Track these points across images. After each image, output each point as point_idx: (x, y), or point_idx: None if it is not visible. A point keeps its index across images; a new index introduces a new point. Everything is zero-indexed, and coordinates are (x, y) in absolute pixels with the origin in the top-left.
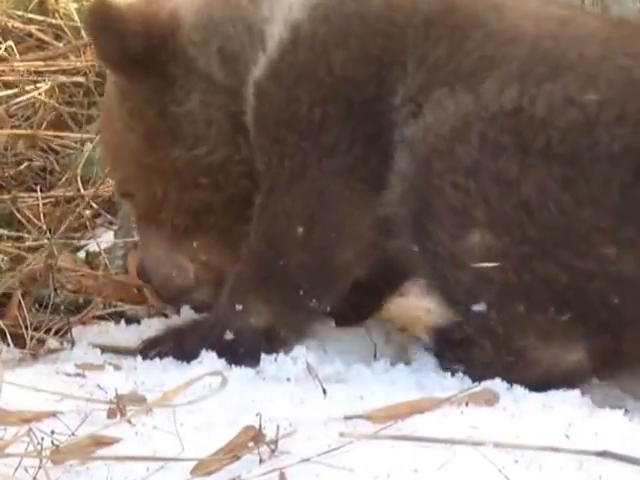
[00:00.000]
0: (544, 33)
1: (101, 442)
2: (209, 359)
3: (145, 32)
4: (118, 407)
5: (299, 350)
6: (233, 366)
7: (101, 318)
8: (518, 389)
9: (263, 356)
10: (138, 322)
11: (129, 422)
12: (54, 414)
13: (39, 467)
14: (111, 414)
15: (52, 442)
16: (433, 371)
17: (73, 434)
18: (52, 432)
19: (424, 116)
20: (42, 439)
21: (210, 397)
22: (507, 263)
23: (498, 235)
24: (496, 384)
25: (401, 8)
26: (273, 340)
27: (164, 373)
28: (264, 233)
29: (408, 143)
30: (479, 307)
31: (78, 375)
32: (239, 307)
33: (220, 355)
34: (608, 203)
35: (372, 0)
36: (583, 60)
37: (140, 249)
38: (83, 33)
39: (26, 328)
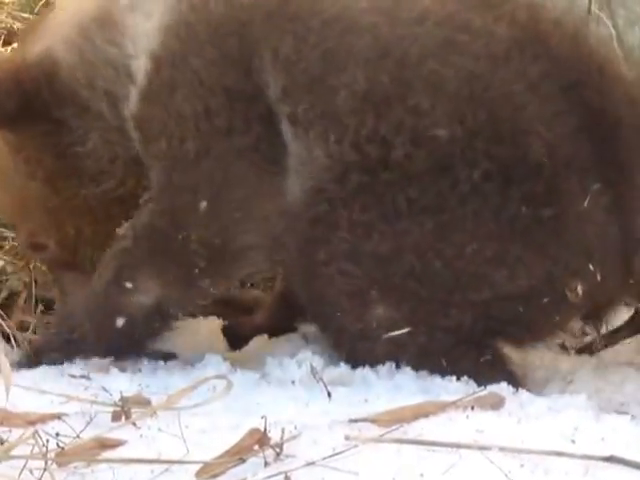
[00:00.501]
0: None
1: (106, 444)
2: (214, 362)
3: (16, 88)
4: (123, 410)
5: (304, 353)
6: (237, 369)
7: None
8: (524, 393)
9: (268, 359)
10: None
11: (134, 424)
12: (59, 416)
13: (44, 469)
14: (116, 416)
15: (57, 444)
16: (438, 375)
17: (78, 436)
18: (57, 434)
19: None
20: (47, 441)
21: (215, 400)
22: (414, 326)
23: (398, 306)
24: (502, 388)
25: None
26: (163, 317)
27: (169, 376)
28: (164, 208)
29: (296, 161)
30: None
31: (83, 377)
32: (129, 285)
33: (114, 344)
34: (485, 232)
35: (210, 5)
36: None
37: (62, 299)
38: None
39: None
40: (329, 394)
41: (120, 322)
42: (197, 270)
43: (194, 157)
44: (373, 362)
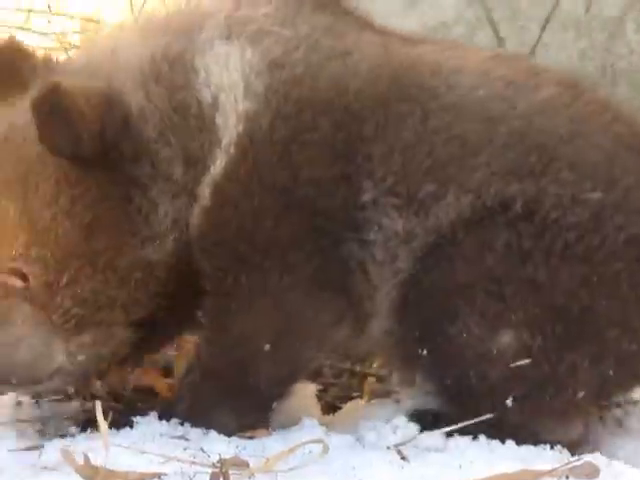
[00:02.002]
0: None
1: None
2: (309, 426)
3: (101, 134)
4: (221, 471)
5: (399, 419)
6: (332, 433)
7: None
8: (618, 464)
9: (362, 424)
10: None
11: None
12: (159, 476)
13: None
14: (214, 477)
15: None
16: (532, 442)
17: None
18: None
19: (415, 212)
20: None
21: (311, 463)
22: (541, 358)
23: (532, 334)
24: (597, 458)
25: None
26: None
27: (266, 438)
28: (228, 355)
29: (398, 239)
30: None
31: (181, 438)
32: (202, 427)
33: None
34: (618, 294)
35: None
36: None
37: None
38: None
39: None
40: (423, 460)
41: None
42: (268, 397)
43: (247, 295)
44: (482, 389)
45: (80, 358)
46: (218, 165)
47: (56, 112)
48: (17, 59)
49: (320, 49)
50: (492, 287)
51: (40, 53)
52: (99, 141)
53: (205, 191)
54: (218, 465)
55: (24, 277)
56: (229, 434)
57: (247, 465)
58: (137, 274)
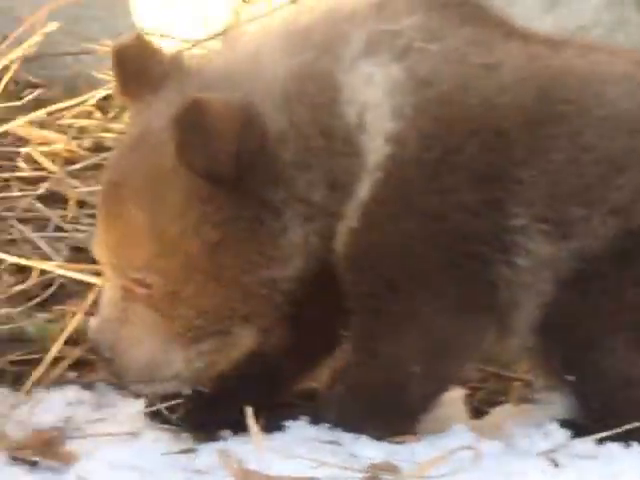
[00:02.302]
0: None
1: None
2: (459, 431)
3: (237, 155)
4: (373, 476)
5: (551, 425)
6: (482, 439)
7: None
8: None
9: (512, 429)
10: None
11: None
12: None
13: None
14: None
15: None
16: None
17: None
18: None
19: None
20: None
21: (463, 471)
22: None
23: None
24: None
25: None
26: None
27: (415, 443)
28: (377, 376)
29: (544, 262)
30: None
31: (332, 442)
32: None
33: None
34: None
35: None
36: None
37: (109, 320)
38: None
39: None
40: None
41: None
42: (417, 411)
43: (395, 321)
44: (629, 412)
45: (198, 365)
46: (365, 188)
47: (195, 130)
48: (145, 57)
49: (468, 63)
50: (637, 316)
51: (169, 52)
52: (235, 163)
53: (352, 213)
54: (369, 470)
55: (148, 286)
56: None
57: (398, 471)
58: (261, 290)
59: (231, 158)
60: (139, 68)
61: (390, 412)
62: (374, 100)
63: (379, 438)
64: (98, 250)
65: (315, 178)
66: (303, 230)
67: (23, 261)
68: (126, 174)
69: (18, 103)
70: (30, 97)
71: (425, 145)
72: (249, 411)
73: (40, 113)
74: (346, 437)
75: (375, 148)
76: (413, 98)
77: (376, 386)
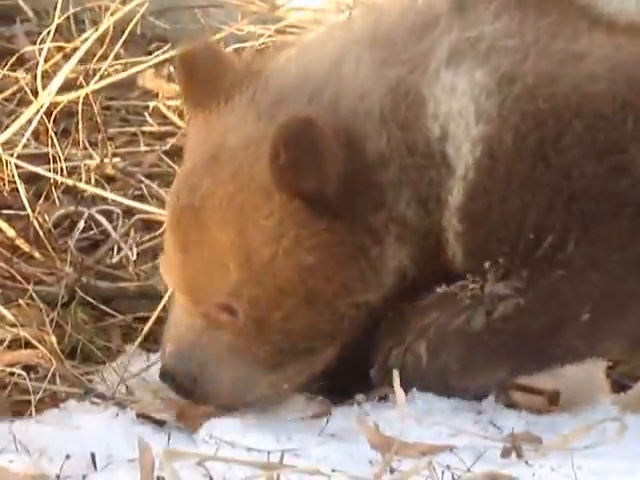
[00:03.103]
0: None
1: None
2: (602, 404)
3: (346, 177)
4: (514, 446)
5: None
6: (627, 412)
7: None
8: None
9: None
10: None
11: (526, 463)
12: (450, 449)
13: None
14: (506, 453)
15: (452, 476)
16: None
17: (469, 470)
18: (448, 466)
19: None
20: (442, 473)
21: (609, 443)
22: None
23: None
24: None
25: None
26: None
27: (557, 415)
28: (538, 311)
29: None
30: None
31: (472, 411)
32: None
33: None
34: None
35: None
36: None
37: (188, 348)
38: None
39: None
40: None
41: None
42: (536, 368)
43: (581, 266)
44: None
45: (283, 387)
46: (456, 194)
47: (307, 150)
48: (214, 63)
49: (551, 55)
50: None
51: (238, 57)
52: (343, 185)
53: (452, 221)
54: (510, 440)
55: (233, 312)
56: (490, 390)
57: (540, 442)
58: (353, 312)
59: (340, 180)
60: (207, 75)
61: (529, 359)
62: (457, 109)
63: (492, 388)
64: (172, 277)
65: (409, 198)
66: (398, 253)
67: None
68: (206, 197)
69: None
70: (158, 51)
71: (520, 139)
72: (395, 375)
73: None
74: (488, 405)
75: (463, 155)
76: (497, 98)
77: (537, 327)
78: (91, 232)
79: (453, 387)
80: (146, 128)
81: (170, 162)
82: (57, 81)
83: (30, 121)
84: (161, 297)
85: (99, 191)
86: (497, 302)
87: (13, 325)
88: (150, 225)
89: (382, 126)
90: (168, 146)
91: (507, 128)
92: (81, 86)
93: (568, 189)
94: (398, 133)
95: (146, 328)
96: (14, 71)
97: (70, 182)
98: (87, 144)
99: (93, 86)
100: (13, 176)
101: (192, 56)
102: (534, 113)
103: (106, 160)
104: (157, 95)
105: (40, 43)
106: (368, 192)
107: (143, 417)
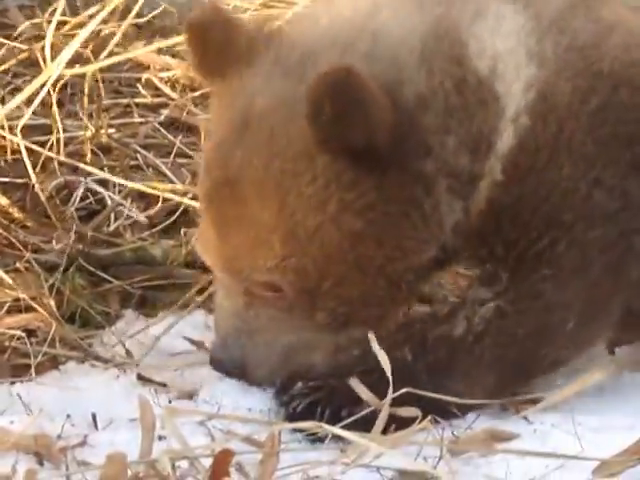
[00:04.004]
0: None
1: (499, 437)
2: (599, 362)
3: (395, 122)
4: (514, 402)
5: None
6: (625, 371)
7: None
8: None
9: None
10: None
11: (525, 419)
12: None
13: (439, 457)
14: (505, 408)
15: (452, 433)
16: None
17: (470, 427)
18: (450, 424)
19: None
20: (443, 429)
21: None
22: None
23: None
24: None
25: None
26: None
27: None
28: (532, 321)
29: None
30: None
31: None
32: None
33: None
34: None
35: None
36: None
37: (234, 335)
38: None
39: None
40: None
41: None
42: (529, 380)
43: (569, 269)
44: None
45: (353, 353)
46: (506, 137)
47: (353, 97)
48: (227, 30)
49: (597, 19)
50: None
51: (248, 19)
52: (391, 134)
53: (495, 167)
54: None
55: (278, 289)
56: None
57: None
58: (410, 276)
59: (389, 128)
60: (221, 42)
61: (513, 368)
62: (504, 48)
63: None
64: (210, 255)
65: (458, 141)
66: (453, 206)
67: (148, 189)
68: (240, 168)
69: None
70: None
71: (577, 95)
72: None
73: (164, 42)
74: None
75: (514, 94)
76: (549, 43)
77: (523, 333)
78: (87, 201)
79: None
80: (139, 100)
81: (165, 133)
82: (67, 54)
83: (37, 93)
84: (157, 264)
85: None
86: (477, 306)
87: (12, 289)
88: (145, 195)
89: (421, 66)
90: (162, 117)
91: (565, 77)
92: (88, 61)
93: (597, 172)
94: (441, 72)
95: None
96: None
97: (68, 158)
98: (83, 116)
99: (102, 62)
100: (18, 146)
101: (202, 25)
102: (585, 73)
103: (102, 131)
104: (148, 67)
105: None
106: (414, 138)
107: (144, 379)
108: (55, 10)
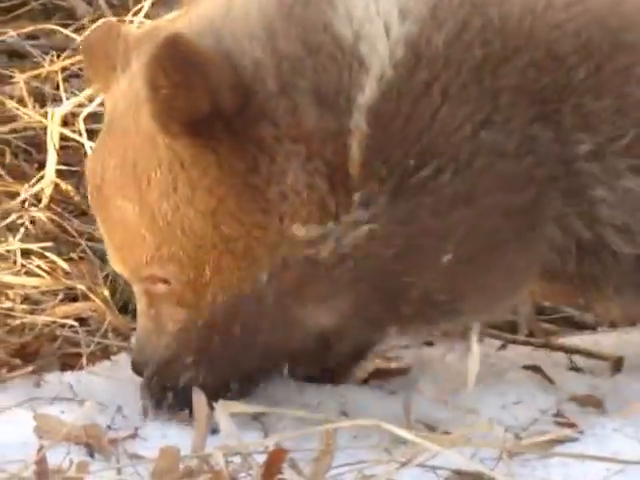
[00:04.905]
0: None
1: (559, 440)
2: None
3: (236, 83)
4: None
5: None
6: None
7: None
8: None
9: None
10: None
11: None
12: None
13: (498, 459)
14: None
15: (515, 435)
16: None
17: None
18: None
19: None
20: (505, 430)
21: None
22: None
23: None
24: None
25: None
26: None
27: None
28: (394, 242)
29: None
30: None
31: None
32: (311, 304)
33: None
34: None
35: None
36: None
37: (142, 335)
38: None
39: None
40: None
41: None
42: (397, 314)
43: (450, 199)
44: None
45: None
46: (369, 92)
47: (187, 62)
48: (111, 41)
49: None
50: None
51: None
52: (234, 96)
53: (359, 123)
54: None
55: (164, 280)
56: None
57: (601, 405)
58: (284, 250)
59: (231, 90)
60: (105, 55)
61: (380, 290)
62: (375, 9)
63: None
64: (113, 262)
65: (307, 101)
66: (302, 167)
67: None
68: (103, 172)
69: None
70: None
71: (455, 47)
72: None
73: None
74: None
75: (379, 52)
76: (429, 2)
77: (387, 255)
78: None
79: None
80: None
81: None
82: None
83: None
84: None
85: None
86: (351, 229)
87: (67, 278)
88: None
89: (262, 34)
90: None
91: (440, 31)
92: None
93: (485, 115)
94: (288, 39)
95: None
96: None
97: None
98: None
99: None
100: (80, 134)
101: (90, 42)
102: (481, 27)
103: None
104: None
105: None
106: (254, 102)
107: None
108: None
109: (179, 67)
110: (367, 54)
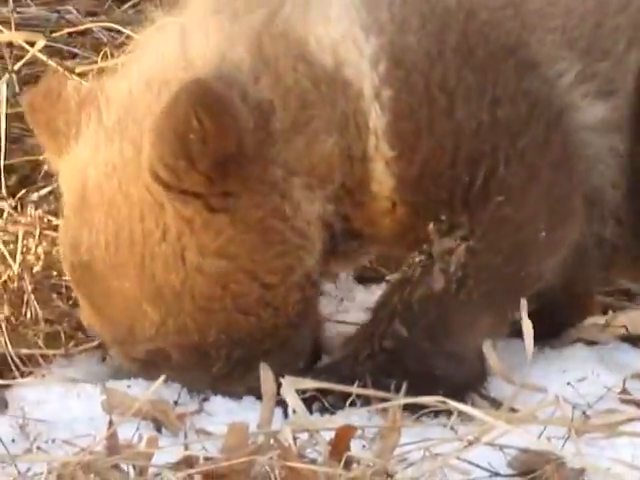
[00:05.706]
0: None
1: (629, 418)
2: None
3: (255, 125)
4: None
5: None
6: None
7: None
8: None
9: None
10: None
11: None
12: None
13: (566, 437)
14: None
15: (583, 413)
16: None
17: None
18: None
19: None
20: (573, 408)
21: None
22: None
23: None
24: None
25: None
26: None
27: None
28: (506, 246)
29: None
30: None
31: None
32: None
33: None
34: None
35: None
36: None
37: None
38: None
39: None
40: None
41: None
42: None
43: (520, 183)
44: None
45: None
46: (376, 115)
47: (220, 106)
48: (53, 103)
49: None
50: None
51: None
52: (254, 138)
53: (380, 147)
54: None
55: (167, 354)
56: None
57: None
58: (297, 296)
59: (252, 133)
60: (48, 118)
61: (508, 290)
62: (340, 34)
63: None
64: (96, 330)
65: (317, 132)
66: (315, 202)
67: None
68: (90, 250)
69: None
70: None
71: (427, 42)
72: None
73: None
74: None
75: (364, 73)
76: (383, 8)
77: (498, 262)
78: None
79: (453, 350)
80: None
81: None
82: None
83: None
84: None
85: None
86: (447, 256)
87: None
88: None
89: (260, 73)
90: None
91: (407, 33)
92: None
93: (491, 88)
94: (289, 73)
95: None
96: None
97: None
98: None
99: None
100: None
101: (32, 102)
102: (431, 15)
103: None
104: None
105: None
106: (265, 143)
107: None
108: None
109: (211, 111)
110: (354, 77)
